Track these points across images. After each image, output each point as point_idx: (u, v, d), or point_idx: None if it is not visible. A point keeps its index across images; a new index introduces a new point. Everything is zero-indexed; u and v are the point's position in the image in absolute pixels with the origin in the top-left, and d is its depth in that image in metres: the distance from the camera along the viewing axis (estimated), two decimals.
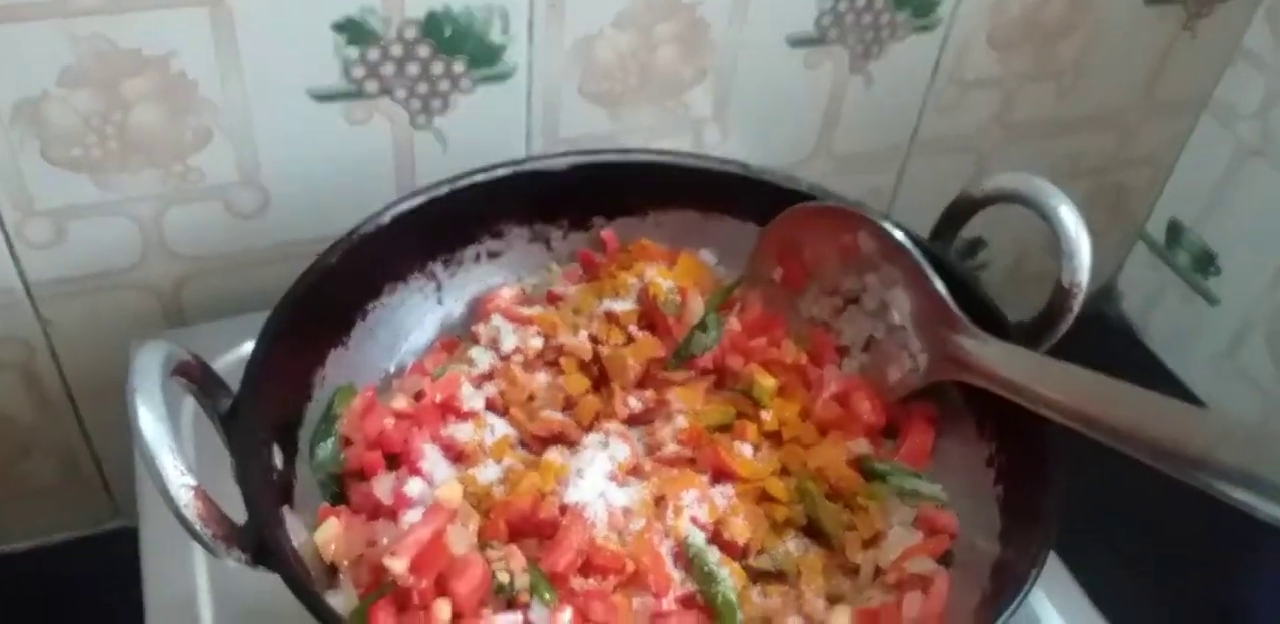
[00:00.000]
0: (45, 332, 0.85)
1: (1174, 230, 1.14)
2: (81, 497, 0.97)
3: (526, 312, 0.74)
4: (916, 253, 0.67)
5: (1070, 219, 0.64)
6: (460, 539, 0.58)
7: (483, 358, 0.72)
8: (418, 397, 0.69)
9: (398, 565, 0.56)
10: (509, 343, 0.72)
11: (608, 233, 0.77)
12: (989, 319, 0.66)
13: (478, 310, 0.76)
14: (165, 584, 0.69)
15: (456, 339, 0.75)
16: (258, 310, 0.64)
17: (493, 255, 0.76)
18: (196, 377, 0.58)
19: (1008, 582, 0.58)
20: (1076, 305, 0.65)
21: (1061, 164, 1.10)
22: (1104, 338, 1.18)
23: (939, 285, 0.66)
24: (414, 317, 0.74)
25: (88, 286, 0.84)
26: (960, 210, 0.70)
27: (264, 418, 0.61)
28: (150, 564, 0.70)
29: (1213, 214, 1.10)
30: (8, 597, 0.94)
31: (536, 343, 0.72)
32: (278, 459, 0.62)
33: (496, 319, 0.73)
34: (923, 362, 0.67)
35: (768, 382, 0.70)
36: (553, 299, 0.75)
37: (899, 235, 0.68)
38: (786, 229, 0.73)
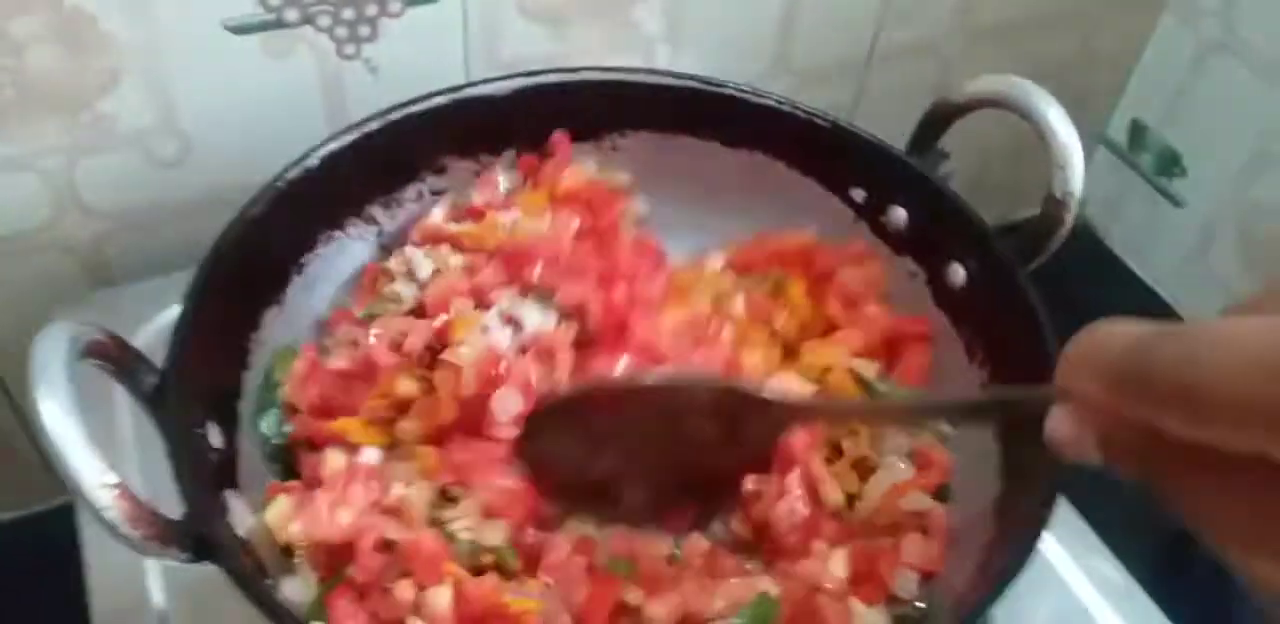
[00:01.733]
0: None
1: (1137, 132, 1.07)
2: (20, 476, 0.88)
3: (452, 228, 0.64)
4: None
5: (1060, 124, 0.57)
6: (395, 526, 0.51)
7: (406, 291, 0.62)
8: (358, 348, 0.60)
9: (350, 570, 0.48)
10: (425, 269, 0.63)
11: (559, 135, 0.68)
12: (977, 236, 0.59)
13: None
14: (108, 562, 0.62)
15: (378, 269, 0.65)
16: (190, 267, 0.56)
17: (436, 193, 0.67)
18: (113, 355, 0.49)
19: (1014, 520, 0.52)
20: (1070, 217, 0.58)
21: (1022, 69, 1.01)
22: (1067, 244, 1.11)
23: None
24: (356, 267, 0.65)
25: None
26: (939, 118, 0.62)
27: (196, 393, 0.53)
28: (91, 542, 0.62)
29: (1176, 113, 1.02)
30: None
31: (455, 261, 0.62)
32: (216, 438, 0.54)
33: (408, 249, 0.64)
34: None
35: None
36: (474, 214, 0.66)
37: None
38: None
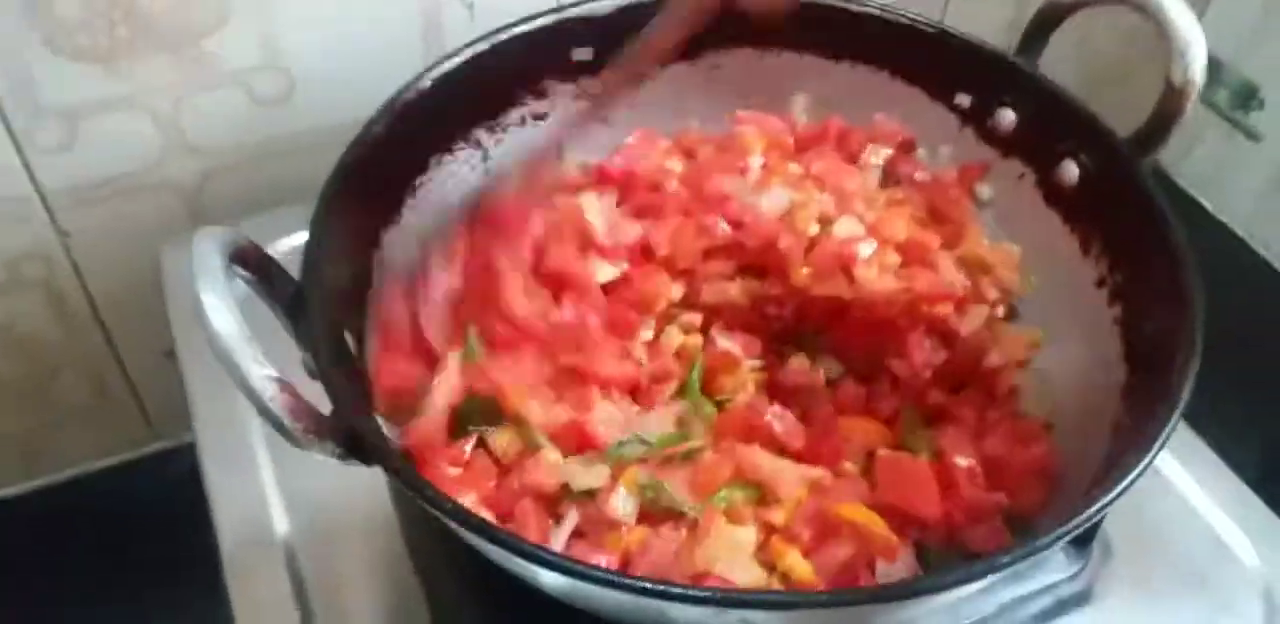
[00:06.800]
0: (65, 245, 0.76)
1: (1212, 67, 1.03)
2: (116, 420, 0.89)
3: None
4: None
5: (1177, 11, 0.55)
6: None
7: None
8: None
9: None
10: None
11: None
12: (1091, 130, 0.58)
13: None
14: (233, 497, 0.63)
15: None
16: (288, 205, 0.56)
17: (537, 117, 0.67)
18: (255, 264, 0.49)
19: (1143, 410, 0.51)
20: (1189, 106, 0.57)
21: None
22: None
23: None
24: (463, 191, 0.65)
25: (106, 192, 0.75)
26: (1049, 18, 0.61)
27: (331, 304, 0.53)
28: (214, 478, 0.63)
29: (1253, 46, 0.99)
30: (50, 529, 0.86)
31: None
32: (352, 347, 0.54)
33: None
34: None
35: None
36: None
37: None
38: None
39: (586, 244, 0.60)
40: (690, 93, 0.69)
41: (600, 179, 0.65)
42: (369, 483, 0.56)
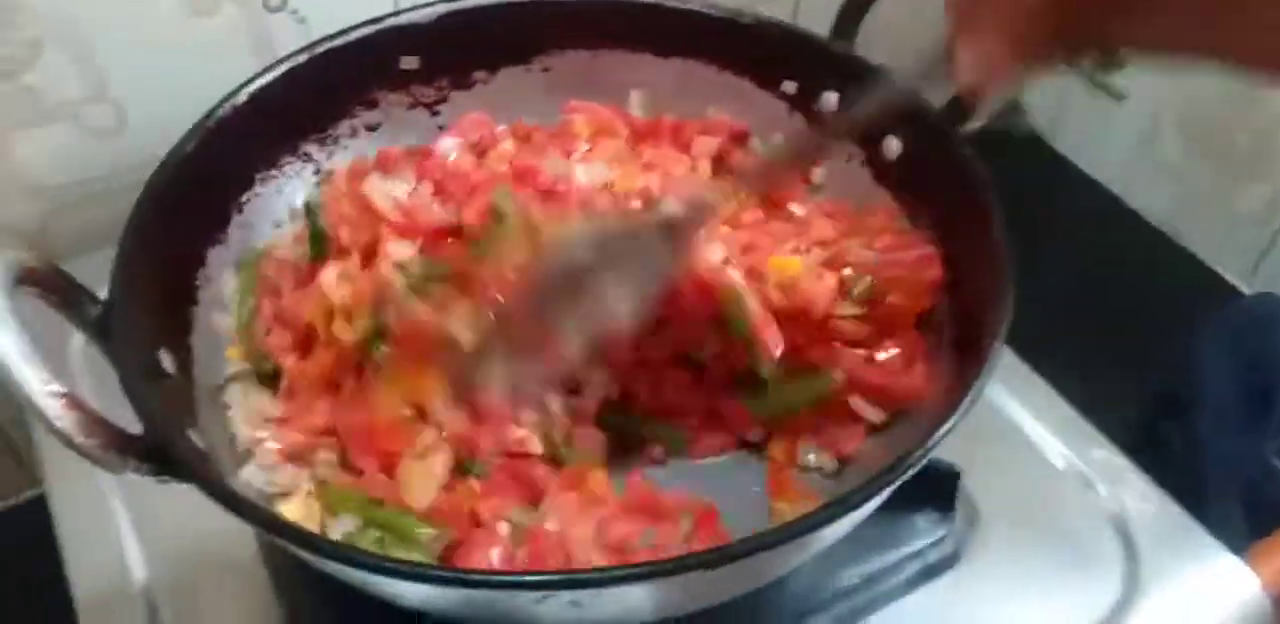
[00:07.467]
0: None
1: None
2: None
3: None
4: None
5: None
6: None
7: None
8: None
9: None
10: None
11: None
12: (910, 104, 0.58)
13: None
14: (88, 545, 0.61)
15: None
16: None
17: (370, 128, 0.67)
18: (50, 284, 0.48)
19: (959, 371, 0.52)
20: None
21: None
22: (1016, 153, 1.11)
23: None
24: (295, 207, 0.64)
25: None
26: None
27: (144, 323, 0.52)
28: (67, 526, 0.61)
29: None
30: None
31: None
32: (169, 365, 0.52)
33: None
34: None
35: None
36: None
37: None
38: None
39: (378, 222, 0.59)
40: (527, 96, 0.68)
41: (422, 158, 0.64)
42: (231, 525, 0.53)
